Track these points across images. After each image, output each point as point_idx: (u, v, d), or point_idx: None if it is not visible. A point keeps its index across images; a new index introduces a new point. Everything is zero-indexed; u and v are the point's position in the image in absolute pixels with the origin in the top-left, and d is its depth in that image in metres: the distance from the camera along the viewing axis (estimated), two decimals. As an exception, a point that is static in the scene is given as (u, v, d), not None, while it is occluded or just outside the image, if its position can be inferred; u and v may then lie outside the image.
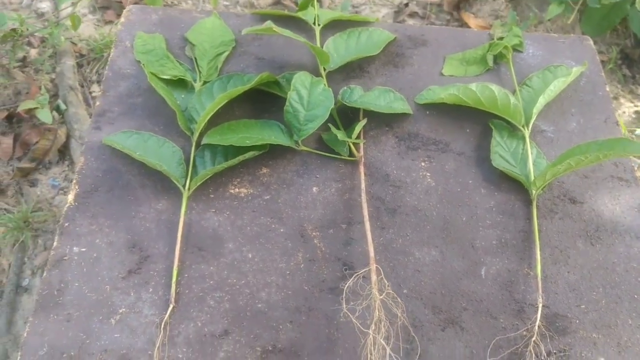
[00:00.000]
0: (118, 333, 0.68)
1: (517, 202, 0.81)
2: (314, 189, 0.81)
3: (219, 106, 0.82)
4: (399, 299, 0.67)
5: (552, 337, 0.70)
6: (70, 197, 0.78)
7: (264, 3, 1.76)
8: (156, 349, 0.66)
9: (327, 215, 0.78)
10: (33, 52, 1.55)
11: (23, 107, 1.31)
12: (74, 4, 1.46)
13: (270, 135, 0.82)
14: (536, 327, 0.68)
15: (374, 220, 0.78)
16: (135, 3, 1.62)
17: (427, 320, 0.71)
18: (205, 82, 0.89)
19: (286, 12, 1.02)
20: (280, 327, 0.69)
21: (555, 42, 1.01)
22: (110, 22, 1.66)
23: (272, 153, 0.83)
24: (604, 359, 0.69)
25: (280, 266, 0.74)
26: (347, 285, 0.68)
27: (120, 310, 0.69)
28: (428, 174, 0.83)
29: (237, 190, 0.80)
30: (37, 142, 1.34)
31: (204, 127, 0.82)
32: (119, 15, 1.62)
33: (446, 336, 0.70)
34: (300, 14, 0.99)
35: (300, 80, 0.84)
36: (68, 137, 1.37)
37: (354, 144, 0.83)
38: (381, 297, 0.65)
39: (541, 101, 0.86)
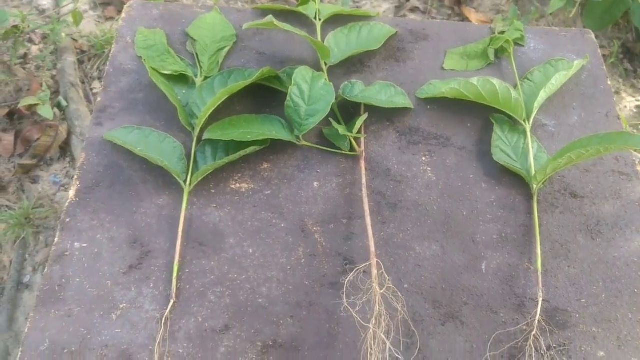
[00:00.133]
0: (119, 328, 0.68)
1: (518, 196, 0.81)
2: (315, 183, 0.81)
3: (220, 101, 0.82)
4: (399, 294, 0.67)
5: (552, 331, 0.70)
6: (72, 192, 0.78)
7: (264, -2, 1.75)
8: (157, 344, 0.66)
9: (328, 210, 0.78)
10: (34, 49, 1.55)
11: (24, 103, 1.31)
12: (75, 0, 1.46)
13: (271, 130, 0.82)
14: (536, 322, 0.68)
15: (375, 214, 0.78)
16: (136, -1, 1.61)
17: (428, 315, 0.71)
18: (206, 78, 0.89)
19: (287, 7, 1.02)
20: (281, 322, 0.70)
21: (557, 36, 1.01)
22: (111, 18, 1.66)
23: (273, 148, 0.83)
24: (603, 353, 0.69)
25: (281, 261, 0.74)
26: (347, 280, 0.68)
27: (121, 306, 0.70)
28: (429, 169, 0.83)
29: (238, 185, 0.80)
30: (38, 139, 1.34)
31: (205, 122, 0.82)
32: (119, 12, 1.62)
33: (446, 331, 0.70)
34: (301, 9, 0.99)
35: (302, 75, 0.84)
36: (69, 133, 1.37)
37: (355, 138, 0.83)
38: (382, 291, 0.65)
39: (542, 95, 0.86)
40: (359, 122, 0.83)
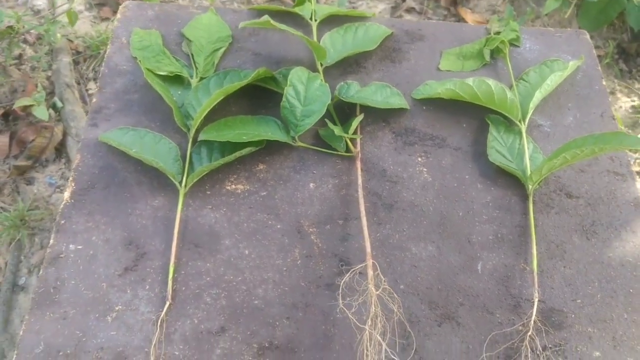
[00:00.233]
0: (114, 330, 0.68)
1: (514, 197, 0.81)
2: (311, 184, 0.81)
3: (216, 102, 0.82)
4: (395, 295, 0.67)
5: (548, 331, 0.70)
6: (67, 194, 0.78)
7: (260, -1, 1.75)
8: (152, 346, 0.66)
9: (323, 211, 0.78)
10: (29, 50, 1.54)
11: (19, 104, 1.30)
12: (70, 1, 1.46)
13: (267, 131, 0.82)
14: (532, 322, 0.68)
15: (371, 215, 0.78)
16: (132, -1, 1.61)
17: (424, 316, 0.71)
18: (201, 78, 0.88)
19: (283, 7, 1.02)
20: (277, 323, 0.69)
21: (552, 36, 1.01)
22: (107, 18, 1.66)
23: (268, 149, 0.83)
24: (599, 353, 0.69)
25: (277, 262, 0.74)
26: (343, 281, 0.68)
27: (117, 308, 0.69)
28: (425, 169, 0.83)
29: (233, 186, 0.80)
30: (33, 140, 1.34)
31: (200, 123, 0.81)
32: (115, 12, 1.61)
33: (442, 331, 0.70)
34: (297, 9, 0.98)
35: (297, 76, 0.84)
36: (64, 134, 1.37)
37: (350, 139, 0.83)
38: (377, 292, 0.65)
39: (538, 96, 0.86)
40: (355, 123, 0.83)
